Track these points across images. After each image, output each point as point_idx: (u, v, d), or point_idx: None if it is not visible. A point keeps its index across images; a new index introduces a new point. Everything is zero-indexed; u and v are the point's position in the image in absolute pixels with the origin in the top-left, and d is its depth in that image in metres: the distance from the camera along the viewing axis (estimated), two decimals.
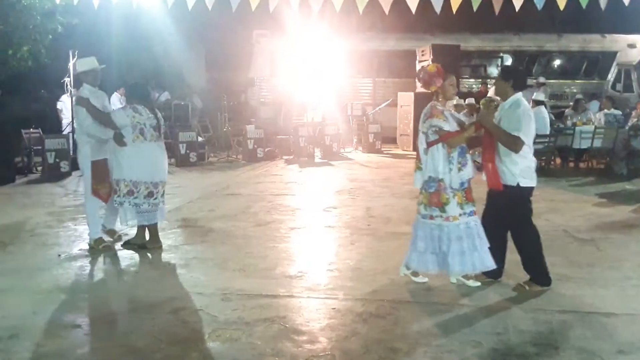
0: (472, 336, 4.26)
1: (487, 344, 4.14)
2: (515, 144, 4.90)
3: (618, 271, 5.79)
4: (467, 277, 5.27)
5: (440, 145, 5.05)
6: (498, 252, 5.18)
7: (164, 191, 6.60)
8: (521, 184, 4.98)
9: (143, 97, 6.56)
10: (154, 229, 6.59)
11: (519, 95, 5.07)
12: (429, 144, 5.09)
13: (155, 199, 6.47)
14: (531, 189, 5.08)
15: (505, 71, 5.24)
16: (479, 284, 5.26)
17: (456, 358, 3.94)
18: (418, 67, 15.81)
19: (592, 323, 4.51)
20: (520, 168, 4.96)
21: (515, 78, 5.13)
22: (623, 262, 6.08)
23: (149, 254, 6.40)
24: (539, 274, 5.14)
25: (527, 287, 5.13)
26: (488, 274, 5.26)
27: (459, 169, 5.07)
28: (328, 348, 4.11)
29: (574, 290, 5.22)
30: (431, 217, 5.14)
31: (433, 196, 5.09)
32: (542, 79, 16.89)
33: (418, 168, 5.25)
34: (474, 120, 5.47)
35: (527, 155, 4.99)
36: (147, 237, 6.56)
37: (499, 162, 5.02)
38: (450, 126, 5.08)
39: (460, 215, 5.07)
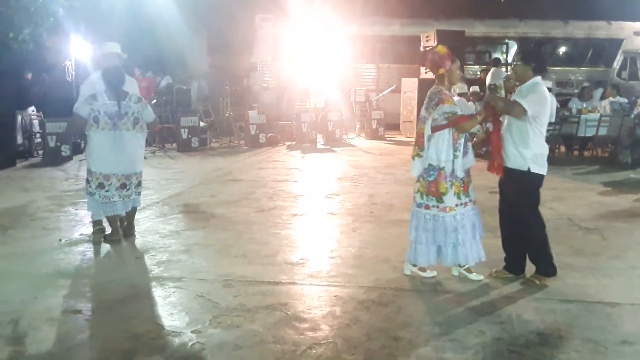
0: (475, 325, 4.22)
1: (491, 333, 4.10)
2: (513, 107, 4.83)
3: (623, 260, 5.75)
4: (469, 270, 5.19)
5: (446, 131, 4.92)
6: (515, 243, 5.12)
7: (137, 182, 6.39)
8: (532, 170, 4.89)
9: (109, 83, 6.19)
10: (114, 221, 6.35)
11: (538, 78, 4.96)
12: (436, 128, 4.92)
13: (128, 189, 6.27)
14: (542, 177, 4.97)
15: (526, 55, 5.12)
16: (482, 277, 5.17)
17: (459, 347, 3.90)
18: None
19: (597, 313, 4.48)
20: (533, 153, 4.87)
21: (537, 62, 5.02)
22: (628, 252, 6.04)
23: (150, 240, 6.36)
24: (544, 264, 5.06)
25: (537, 282, 5.02)
26: (511, 270, 5.14)
27: (464, 156, 5.00)
28: (330, 336, 4.08)
29: (579, 279, 5.18)
30: (427, 207, 5.03)
31: (431, 185, 4.99)
32: None
33: (417, 155, 5.07)
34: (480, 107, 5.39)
35: (540, 142, 4.90)
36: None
37: (513, 146, 4.93)
38: (461, 112, 5.01)
39: (456, 205, 5.00)
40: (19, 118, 12.54)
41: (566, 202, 8.31)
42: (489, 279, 5.14)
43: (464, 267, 5.18)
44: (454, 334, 4.08)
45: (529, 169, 4.89)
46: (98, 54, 6.99)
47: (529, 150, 4.87)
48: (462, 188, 5.01)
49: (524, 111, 4.76)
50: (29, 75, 15.19)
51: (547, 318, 4.36)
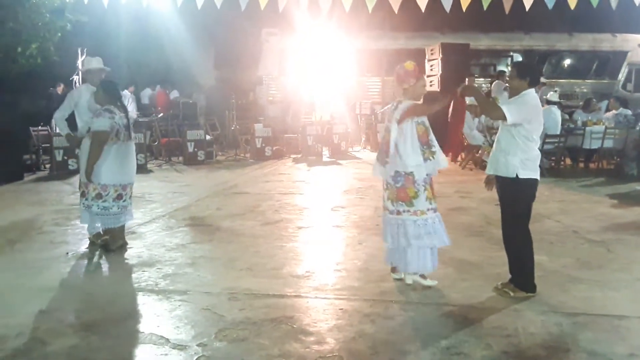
0: (482, 338, 4.21)
1: (497, 346, 4.09)
2: (493, 109, 4.94)
3: (629, 273, 5.72)
4: (423, 276, 5.23)
5: (409, 136, 5.01)
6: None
7: (131, 193, 6.57)
8: (520, 176, 4.88)
9: (114, 96, 6.41)
10: (119, 231, 6.51)
11: (530, 89, 5.00)
12: (399, 121, 5.01)
13: (124, 201, 6.41)
14: (533, 181, 4.95)
15: (521, 69, 5.15)
16: (435, 282, 5.23)
17: None
18: (427, 66, 15.76)
19: (604, 325, 4.45)
20: (520, 159, 4.88)
21: (532, 75, 5.05)
22: (634, 264, 6.01)
23: (156, 253, 6.39)
24: (523, 278, 5.03)
25: (511, 293, 5.00)
26: (527, 289, 5.04)
27: (433, 157, 5.06)
28: (336, 349, 4.07)
29: (585, 292, 5.16)
30: (398, 213, 5.10)
31: (400, 191, 5.07)
32: (542, 79, 16.78)
33: (385, 162, 5.15)
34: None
35: (528, 148, 4.90)
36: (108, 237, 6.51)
37: (502, 155, 4.97)
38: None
39: (427, 210, 5.08)
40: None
41: (572, 214, 8.29)
42: (494, 291, 5.12)
43: (420, 274, 5.21)
44: (460, 347, 4.07)
45: (517, 176, 4.89)
46: (83, 69, 7.16)
47: (515, 157, 4.89)
48: (432, 193, 5.12)
49: (503, 116, 4.80)
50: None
51: (554, 331, 4.35)
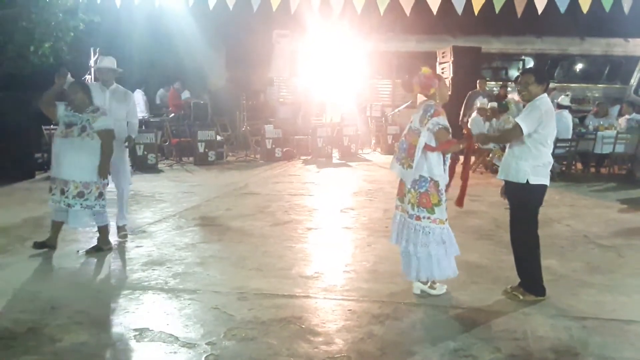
0: (490, 341, 4.21)
1: (506, 349, 4.08)
2: (511, 134, 4.99)
3: (639, 278, 5.69)
4: (431, 287, 5.14)
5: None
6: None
7: (100, 193, 6.32)
8: (531, 182, 4.89)
9: (90, 95, 6.44)
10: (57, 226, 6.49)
11: (544, 94, 5.01)
12: (428, 147, 4.94)
13: (87, 199, 6.23)
14: (543, 187, 4.96)
15: (539, 75, 5.13)
16: (444, 290, 5.17)
17: None
18: (438, 68, 15.74)
19: (613, 330, 4.44)
20: (531, 165, 4.88)
21: (548, 81, 5.14)
22: None
23: (166, 252, 6.42)
24: (531, 282, 5.03)
25: (520, 296, 5.00)
26: (536, 293, 5.05)
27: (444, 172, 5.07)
28: (344, 350, 4.08)
29: (595, 296, 5.15)
30: (418, 218, 5.02)
31: (423, 196, 4.98)
32: (552, 84, 16.70)
33: (409, 166, 5.03)
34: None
35: (540, 154, 4.90)
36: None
37: (513, 159, 4.98)
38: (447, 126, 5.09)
39: (445, 220, 5.04)
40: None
41: (583, 219, 8.26)
42: (503, 294, 5.11)
43: (428, 284, 5.15)
44: (468, 350, 4.06)
45: (527, 182, 4.89)
46: (95, 67, 7.18)
47: (527, 162, 4.89)
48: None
49: (521, 132, 4.84)
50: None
51: (563, 335, 4.34)
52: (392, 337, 4.28)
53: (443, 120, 4.97)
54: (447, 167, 5.08)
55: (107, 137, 6.28)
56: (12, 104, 11.67)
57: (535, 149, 4.88)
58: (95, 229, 6.60)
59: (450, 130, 5.05)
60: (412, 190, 5.03)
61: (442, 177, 5.00)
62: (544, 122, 4.86)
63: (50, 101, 6.37)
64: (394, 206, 5.32)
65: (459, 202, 5.28)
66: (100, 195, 6.32)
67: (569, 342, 4.22)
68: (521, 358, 3.97)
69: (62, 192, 6.19)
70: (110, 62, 7.12)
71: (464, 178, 5.24)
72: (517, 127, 4.89)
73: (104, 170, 6.25)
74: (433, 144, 4.94)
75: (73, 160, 6.18)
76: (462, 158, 5.41)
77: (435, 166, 4.96)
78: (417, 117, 5.08)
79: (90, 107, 6.32)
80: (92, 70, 13.79)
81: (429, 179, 4.96)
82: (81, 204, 6.23)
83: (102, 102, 6.73)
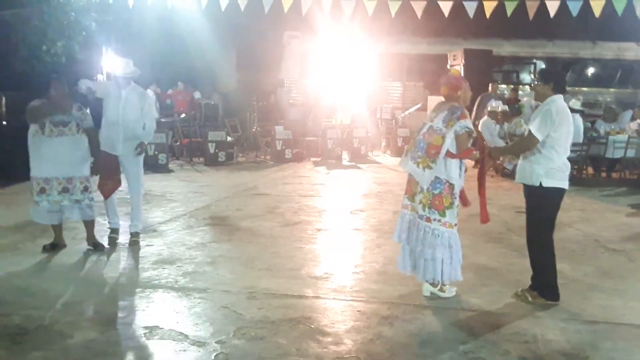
0: (500, 344, 4.20)
1: (516, 352, 4.08)
2: (527, 143, 4.97)
3: None
4: (441, 289, 5.12)
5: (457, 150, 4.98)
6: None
7: (84, 187, 6.38)
8: (544, 184, 4.87)
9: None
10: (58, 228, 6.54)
11: (556, 96, 4.98)
12: (450, 154, 4.92)
13: (72, 194, 6.32)
14: (558, 190, 4.93)
15: (545, 74, 5.14)
16: (454, 292, 5.15)
17: None
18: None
19: (623, 334, 4.43)
20: (544, 168, 4.87)
21: (556, 81, 5.04)
22: None
23: (176, 251, 6.44)
24: (545, 286, 5.01)
25: (530, 298, 5.00)
26: (548, 297, 5.04)
27: (461, 176, 5.05)
28: (353, 350, 4.09)
29: (605, 301, 5.13)
30: (428, 220, 5.00)
31: (436, 198, 4.96)
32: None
33: (427, 167, 4.96)
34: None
35: (552, 157, 4.87)
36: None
37: (527, 162, 4.99)
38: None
39: (454, 225, 5.01)
40: None
41: (593, 223, 8.22)
42: (514, 297, 5.10)
43: (438, 287, 5.12)
44: (478, 352, 4.06)
45: (540, 184, 4.88)
46: (112, 75, 7.24)
47: (540, 166, 4.88)
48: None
49: (537, 140, 4.85)
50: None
51: (573, 339, 4.33)
52: (402, 339, 4.28)
53: (470, 123, 4.98)
54: (463, 173, 5.05)
55: (95, 135, 6.48)
56: (25, 104, 11.72)
57: (547, 152, 4.86)
58: (107, 225, 6.71)
59: (474, 134, 5.06)
60: (425, 190, 4.99)
61: (458, 181, 4.98)
62: (556, 124, 4.84)
63: (41, 117, 6.40)
64: (402, 205, 5.29)
65: (484, 218, 5.18)
66: (86, 188, 6.42)
67: (579, 345, 4.21)
68: None
69: (66, 190, 6.29)
70: (125, 67, 7.01)
71: (481, 193, 5.19)
72: (531, 136, 4.89)
73: (98, 167, 6.46)
74: (453, 149, 4.94)
75: (74, 156, 6.32)
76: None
77: (453, 169, 4.95)
78: (441, 117, 5.01)
79: (74, 106, 6.45)
80: (103, 69, 13.84)
81: (444, 181, 4.94)
82: (88, 198, 6.39)
83: (116, 101, 6.71)
